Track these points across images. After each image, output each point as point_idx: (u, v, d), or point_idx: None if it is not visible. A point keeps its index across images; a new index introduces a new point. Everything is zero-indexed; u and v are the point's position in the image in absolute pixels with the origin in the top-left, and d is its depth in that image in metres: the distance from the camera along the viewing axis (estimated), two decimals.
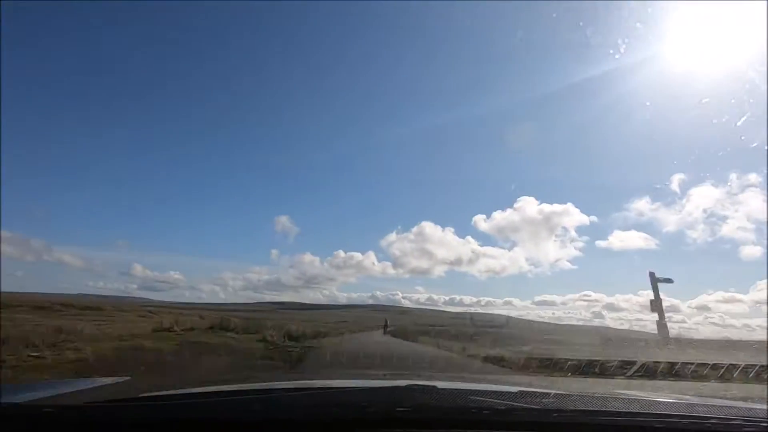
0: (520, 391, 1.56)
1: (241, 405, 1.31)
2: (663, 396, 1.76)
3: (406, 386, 1.42)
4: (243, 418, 1.23)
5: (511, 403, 1.36)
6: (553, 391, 1.58)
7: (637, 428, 1.26)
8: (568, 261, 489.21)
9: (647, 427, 1.26)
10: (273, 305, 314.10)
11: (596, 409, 1.36)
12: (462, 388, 1.77)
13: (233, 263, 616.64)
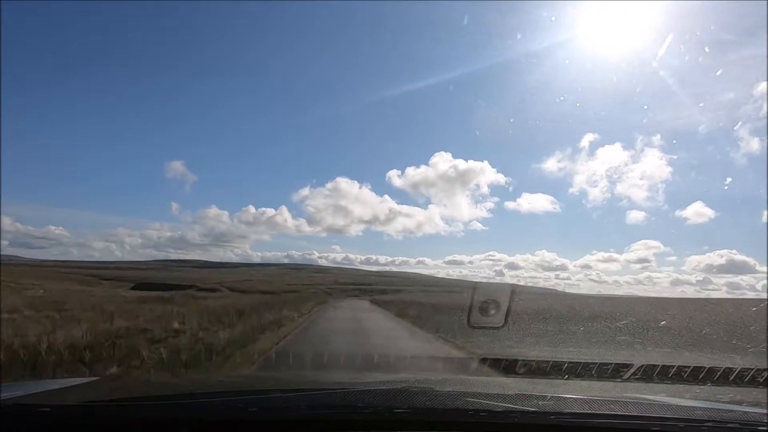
0: (518, 394, 1.60)
1: (238, 405, 1.31)
2: (661, 399, 1.81)
3: (403, 387, 1.44)
4: (239, 418, 1.24)
5: (509, 405, 1.37)
6: (550, 394, 1.60)
7: (634, 431, 1.30)
8: (479, 222, 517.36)
9: (644, 430, 1.30)
10: (175, 263, 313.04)
11: (594, 412, 1.37)
12: (459, 390, 1.75)
13: (128, 219, 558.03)
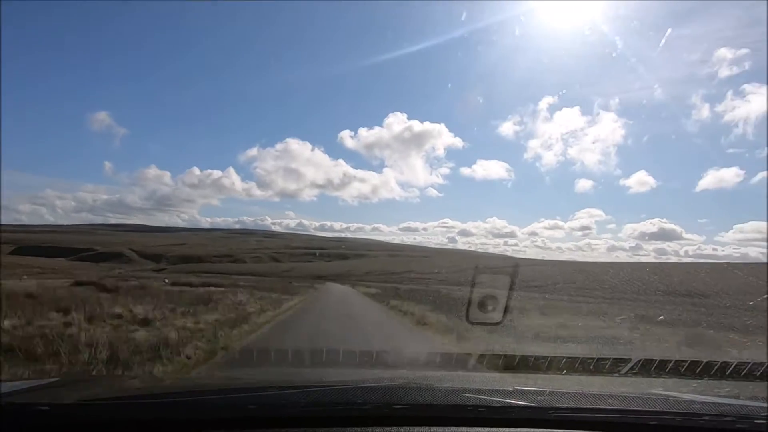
0: (516, 389, 1.62)
1: (236, 402, 1.31)
2: (658, 393, 1.80)
3: (402, 384, 1.45)
4: (238, 416, 1.24)
5: (507, 400, 1.38)
6: (548, 389, 1.61)
7: (632, 425, 1.30)
8: (434, 188, 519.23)
9: (641, 424, 1.30)
10: (111, 228, 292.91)
11: (591, 406, 1.39)
12: (458, 386, 1.74)
13: (56, 179, 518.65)
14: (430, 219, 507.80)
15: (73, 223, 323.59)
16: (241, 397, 1.37)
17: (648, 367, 6.09)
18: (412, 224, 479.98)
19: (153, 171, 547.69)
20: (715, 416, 1.32)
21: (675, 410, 1.35)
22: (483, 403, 1.32)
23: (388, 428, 1.21)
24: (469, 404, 1.32)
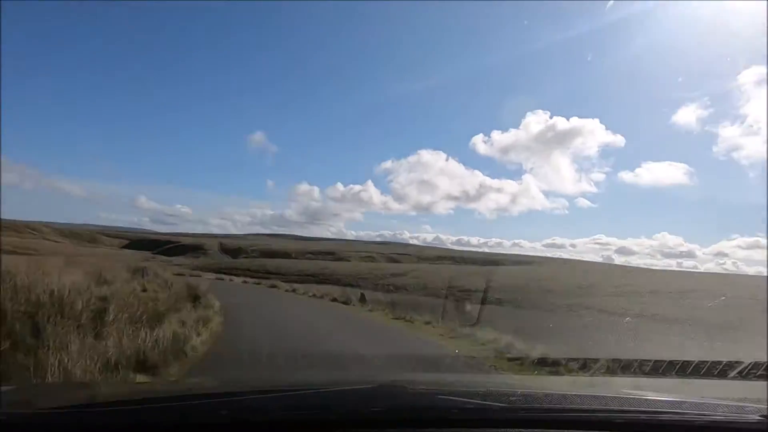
0: (488, 391, 1.63)
1: (209, 408, 1.31)
2: (627, 393, 1.83)
3: (376, 386, 1.45)
4: (210, 421, 1.22)
5: (480, 402, 1.40)
6: (520, 390, 1.64)
7: (603, 423, 1.32)
8: (585, 198, 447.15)
9: (611, 422, 1.32)
10: (272, 236, 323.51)
11: (562, 406, 1.43)
12: (432, 388, 1.81)
13: (235, 198, 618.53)
14: (579, 234, 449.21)
15: (242, 233, 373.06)
16: (214, 402, 1.40)
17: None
18: (558, 240, 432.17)
19: (304, 186, 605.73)
20: (706, 416, 1.35)
21: (641, 408, 1.42)
22: (456, 405, 1.35)
23: (363, 431, 1.24)
24: (443, 406, 1.35)
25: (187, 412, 1.30)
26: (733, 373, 5.43)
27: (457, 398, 1.41)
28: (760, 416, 1.34)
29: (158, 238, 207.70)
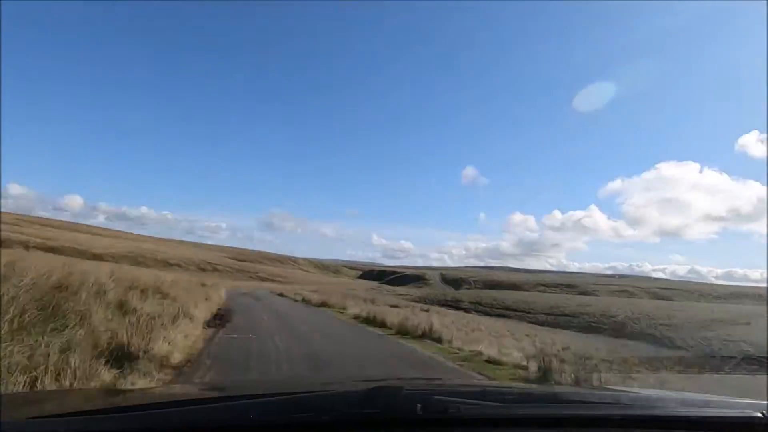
0: (485, 390, 1.67)
1: (204, 413, 1.31)
2: (631, 389, 1.89)
3: (372, 387, 1.45)
4: (205, 426, 1.23)
5: (476, 401, 1.42)
6: (516, 389, 1.71)
7: (601, 420, 1.31)
8: None
9: (609, 419, 1.31)
10: (487, 269, 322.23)
11: (559, 403, 1.48)
12: (428, 388, 1.81)
13: (453, 233, 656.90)
14: None
15: (459, 266, 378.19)
16: (209, 408, 1.39)
17: None
18: None
19: (518, 217, 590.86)
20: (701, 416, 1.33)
21: (639, 404, 1.43)
22: (453, 405, 1.32)
23: None
24: (439, 406, 1.33)
25: (182, 417, 1.29)
26: None
27: (453, 398, 1.39)
28: (762, 412, 1.33)
29: (386, 269, 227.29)
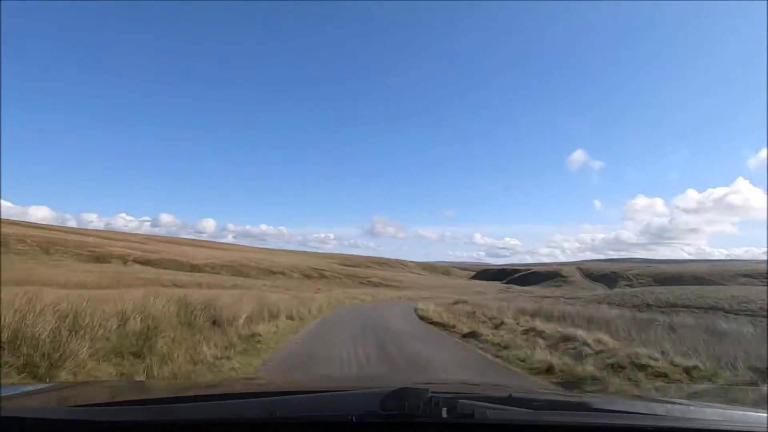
0: (511, 395, 1.61)
1: (229, 409, 1.34)
2: (659, 400, 1.80)
3: (398, 389, 1.41)
4: (228, 422, 1.26)
5: (503, 406, 1.39)
6: (543, 395, 1.65)
7: (630, 430, 1.28)
8: None
9: (640, 430, 1.28)
10: (610, 261, 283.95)
11: (585, 411, 1.43)
12: (454, 391, 1.78)
13: (561, 226, 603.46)
14: None
15: (575, 260, 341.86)
16: (239, 403, 1.45)
17: None
18: None
19: (641, 201, 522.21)
20: (715, 422, 1.31)
21: (676, 416, 1.37)
22: (479, 409, 1.30)
23: None
24: (465, 410, 1.30)
25: (212, 411, 1.34)
26: None
27: (479, 402, 1.37)
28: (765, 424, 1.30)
29: (504, 267, 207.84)
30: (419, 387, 1.48)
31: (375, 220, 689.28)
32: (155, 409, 1.36)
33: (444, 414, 1.27)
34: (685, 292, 46.70)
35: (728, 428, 1.28)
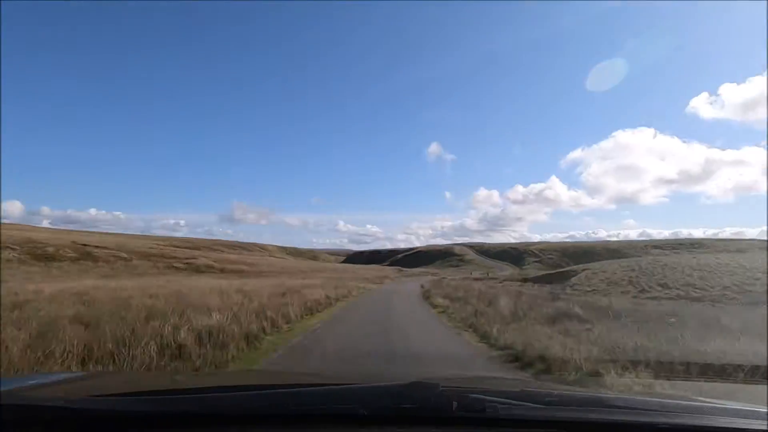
0: (523, 391, 1.58)
1: (243, 401, 1.33)
2: (667, 396, 1.73)
3: (409, 383, 1.39)
4: (243, 413, 1.26)
5: (514, 401, 1.37)
6: (555, 391, 1.64)
7: (639, 427, 1.27)
8: None
9: (649, 427, 1.26)
10: (456, 245, 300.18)
11: (598, 407, 1.37)
12: (465, 386, 1.74)
13: (419, 214, 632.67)
14: None
15: (427, 245, 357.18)
16: (248, 396, 1.41)
17: None
18: None
19: (482, 193, 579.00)
20: (723, 413, 1.32)
21: (688, 413, 1.35)
22: (490, 404, 1.30)
23: (396, 428, 1.24)
24: (477, 405, 1.30)
25: (226, 403, 1.33)
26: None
27: (490, 397, 1.36)
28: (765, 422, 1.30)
29: (380, 250, 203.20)
30: (430, 381, 1.46)
31: (234, 205, 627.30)
32: (165, 400, 1.36)
33: (455, 408, 1.26)
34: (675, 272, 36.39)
35: (729, 425, 1.27)
